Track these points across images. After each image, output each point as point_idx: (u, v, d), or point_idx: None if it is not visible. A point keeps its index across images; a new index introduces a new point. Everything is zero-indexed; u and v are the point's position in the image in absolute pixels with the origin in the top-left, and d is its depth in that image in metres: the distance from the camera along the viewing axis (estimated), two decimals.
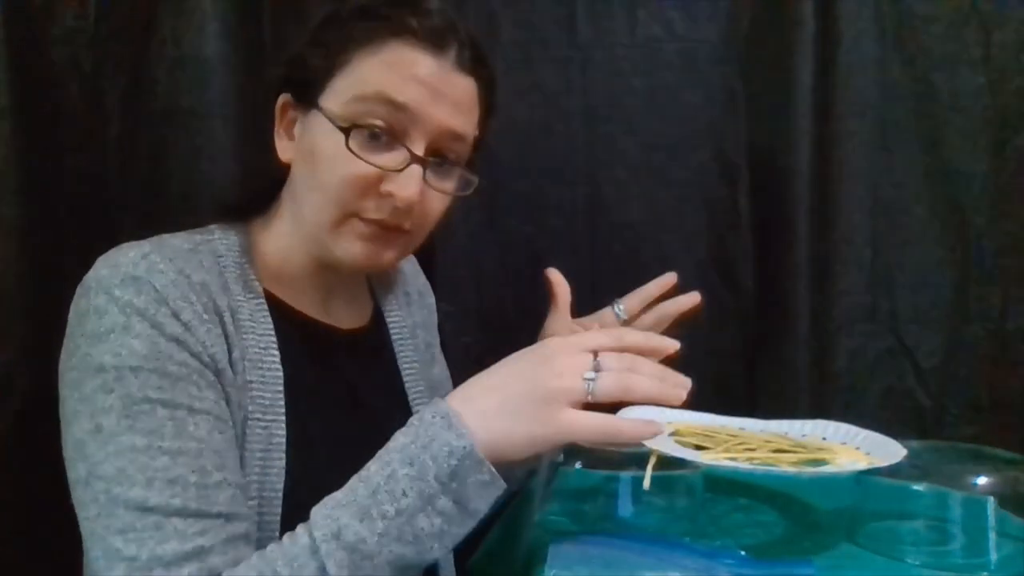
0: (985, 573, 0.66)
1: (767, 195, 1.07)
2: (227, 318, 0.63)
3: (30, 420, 0.80)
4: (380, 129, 0.64)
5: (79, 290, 0.60)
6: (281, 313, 0.69)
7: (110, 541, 0.54)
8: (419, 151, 0.66)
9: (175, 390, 0.57)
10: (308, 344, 0.70)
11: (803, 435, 0.79)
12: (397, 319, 0.82)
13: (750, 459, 0.71)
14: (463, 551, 0.83)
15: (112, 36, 0.90)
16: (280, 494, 0.62)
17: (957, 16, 1.01)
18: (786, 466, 0.69)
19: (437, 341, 0.92)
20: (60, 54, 0.86)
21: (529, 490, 0.84)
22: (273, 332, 0.67)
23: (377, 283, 0.83)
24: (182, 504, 0.55)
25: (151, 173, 0.94)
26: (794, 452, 0.73)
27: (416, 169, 0.65)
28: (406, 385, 0.79)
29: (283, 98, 0.69)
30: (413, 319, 0.85)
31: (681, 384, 0.61)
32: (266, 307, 0.67)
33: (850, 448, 0.74)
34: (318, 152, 0.66)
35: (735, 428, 0.82)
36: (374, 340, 0.79)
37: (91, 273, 0.61)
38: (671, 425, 0.79)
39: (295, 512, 0.60)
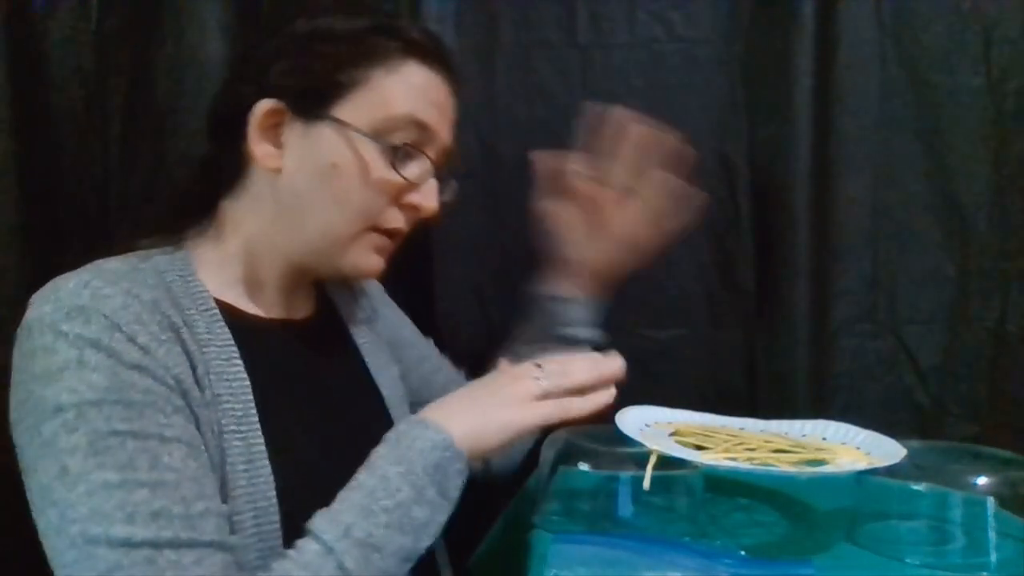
0: (985, 573, 0.66)
1: (767, 195, 1.07)
2: (185, 334, 0.61)
3: None
4: (409, 146, 0.68)
5: (20, 333, 0.57)
6: (235, 319, 0.67)
7: None
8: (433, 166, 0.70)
9: (143, 420, 0.55)
10: (269, 346, 0.69)
11: (803, 435, 0.79)
12: (341, 299, 0.82)
13: (750, 459, 0.71)
14: (463, 551, 0.84)
15: (113, 36, 0.90)
16: (274, 502, 0.61)
17: (957, 16, 1.01)
18: (785, 466, 0.69)
19: (387, 301, 0.91)
20: (61, 54, 0.86)
21: (529, 490, 0.84)
22: (233, 342, 0.65)
23: None
24: (172, 535, 0.52)
25: (151, 174, 0.94)
26: (794, 452, 0.73)
27: (434, 181, 0.71)
28: (365, 360, 0.79)
29: (269, 104, 0.66)
30: (352, 290, 0.85)
31: (612, 363, 0.68)
32: (220, 317, 0.65)
33: (850, 448, 0.74)
34: (342, 165, 0.66)
35: (735, 428, 0.82)
36: (326, 324, 0.79)
37: (30, 313, 0.57)
38: (671, 425, 0.79)
39: (293, 516, 0.60)
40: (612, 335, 1.01)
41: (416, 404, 0.77)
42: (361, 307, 0.84)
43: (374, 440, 0.63)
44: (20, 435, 0.56)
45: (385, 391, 0.78)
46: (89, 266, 0.61)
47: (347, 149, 0.66)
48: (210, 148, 0.73)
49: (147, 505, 0.52)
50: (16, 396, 0.57)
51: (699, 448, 0.74)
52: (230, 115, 0.68)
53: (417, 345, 0.92)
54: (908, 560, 0.67)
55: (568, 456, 0.77)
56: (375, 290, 0.90)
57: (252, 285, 0.70)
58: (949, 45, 1.01)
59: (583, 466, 0.72)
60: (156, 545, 0.52)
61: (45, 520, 0.53)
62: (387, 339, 0.86)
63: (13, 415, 0.57)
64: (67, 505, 0.52)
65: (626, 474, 0.73)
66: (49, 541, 0.53)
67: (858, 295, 1.06)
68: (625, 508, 0.74)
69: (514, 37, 1.08)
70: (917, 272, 1.05)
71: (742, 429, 0.82)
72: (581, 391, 0.66)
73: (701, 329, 1.10)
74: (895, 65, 1.03)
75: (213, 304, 0.66)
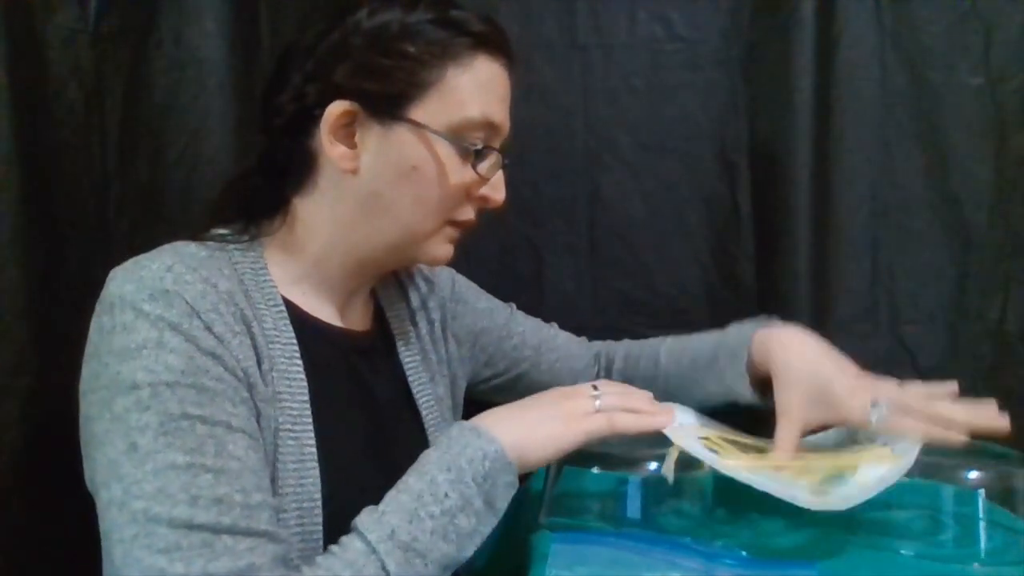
0: (975, 562, 0.67)
1: (767, 195, 1.07)
2: (255, 328, 0.62)
3: (29, 424, 0.79)
4: (487, 148, 0.69)
5: (99, 307, 0.58)
6: (299, 320, 0.68)
7: (151, 561, 0.51)
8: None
9: (213, 406, 0.56)
10: (327, 350, 0.70)
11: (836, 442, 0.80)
12: (395, 317, 0.82)
13: (775, 468, 0.71)
14: None
15: (112, 36, 0.90)
16: (319, 504, 0.62)
17: (957, 16, 1.01)
18: (802, 481, 0.69)
19: (464, 297, 0.91)
20: (60, 54, 0.86)
21: (531, 490, 0.84)
22: (296, 341, 0.66)
23: (379, 283, 0.82)
24: (231, 522, 0.53)
25: (150, 174, 0.94)
26: (820, 462, 0.73)
27: (501, 173, 0.72)
28: (409, 380, 0.79)
29: (343, 106, 0.65)
30: (409, 304, 0.84)
31: (667, 410, 0.71)
32: (287, 316, 0.66)
33: (877, 447, 0.74)
34: (422, 167, 0.66)
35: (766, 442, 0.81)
36: (380, 339, 0.79)
37: (112, 289, 0.58)
38: (704, 430, 0.79)
39: (334, 520, 0.61)
40: (613, 335, 1.01)
41: (513, 376, 0.91)
42: (416, 323, 0.83)
43: (411, 457, 0.63)
44: (89, 406, 0.57)
45: (423, 411, 0.78)
46: (169, 248, 0.62)
47: (427, 151, 0.66)
48: (268, 144, 0.71)
49: (211, 490, 0.53)
50: (89, 368, 0.58)
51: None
52: (292, 112, 0.67)
53: (493, 329, 0.91)
54: (903, 551, 0.69)
55: (574, 456, 0.77)
56: (456, 288, 0.90)
57: (316, 284, 0.71)
58: (949, 45, 1.02)
59: (595, 469, 0.72)
60: (215, 530, 0.53)
61: (108, 493, 0.54)
62: (462, 338, 0.88)
63: (84, 386, 0.58)
64: (132, 481, 0.53)
65: (634, 475, 0.73)
66: (109, 514, 0.54)
67: (858, 295, 1.06)
68: (628, 509, 0.74)
69: (514, 37, 1.07)
70: (917, 272, 1.05)
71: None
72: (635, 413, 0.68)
73: (701, 329, 1.10)
74: (895, 65, 1.03)
75: (281, 301, 0.67)
